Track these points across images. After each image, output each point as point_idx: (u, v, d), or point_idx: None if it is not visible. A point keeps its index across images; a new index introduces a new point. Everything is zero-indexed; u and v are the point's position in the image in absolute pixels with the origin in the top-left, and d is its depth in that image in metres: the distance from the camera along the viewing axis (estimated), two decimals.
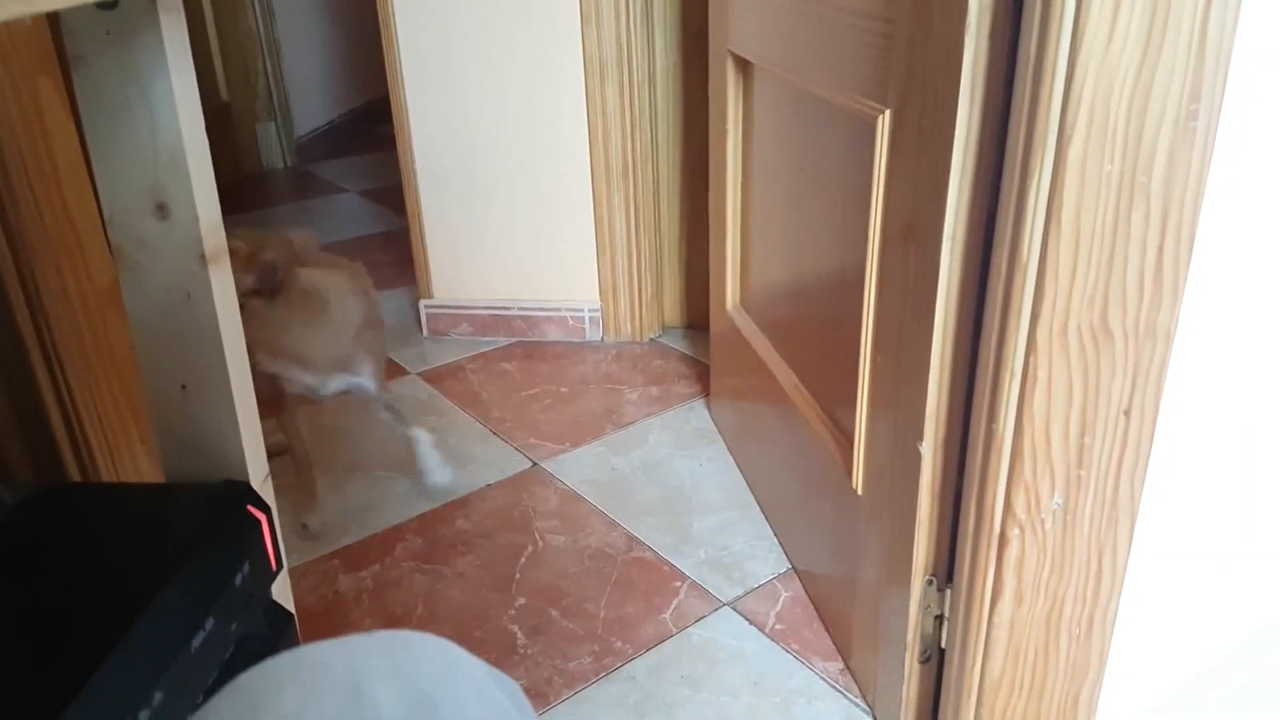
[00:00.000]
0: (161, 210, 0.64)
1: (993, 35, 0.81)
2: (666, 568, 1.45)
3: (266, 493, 0.77)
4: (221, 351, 0.69)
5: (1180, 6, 0.70)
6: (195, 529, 0.70)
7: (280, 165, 3.81)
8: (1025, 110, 0.77)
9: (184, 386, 0.71)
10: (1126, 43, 0.71)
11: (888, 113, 0.97)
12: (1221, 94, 0.72)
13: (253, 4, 3.51)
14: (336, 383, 1.49)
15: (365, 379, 1.50)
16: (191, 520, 0.71)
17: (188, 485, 0.75)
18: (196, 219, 0.64)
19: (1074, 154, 0.75)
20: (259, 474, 0.76)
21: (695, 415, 1.90)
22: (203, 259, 0.66)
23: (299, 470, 1.58)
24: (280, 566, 0.77)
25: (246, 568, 0.71)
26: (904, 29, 0.92)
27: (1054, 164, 0.76)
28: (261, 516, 0.73)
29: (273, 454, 1.39)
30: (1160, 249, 0.76)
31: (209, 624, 0.67)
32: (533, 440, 1.83)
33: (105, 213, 0.66)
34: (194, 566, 0.67)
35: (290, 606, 0.82)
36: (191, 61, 0.62)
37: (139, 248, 0.66)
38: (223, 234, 0.67)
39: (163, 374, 0.71)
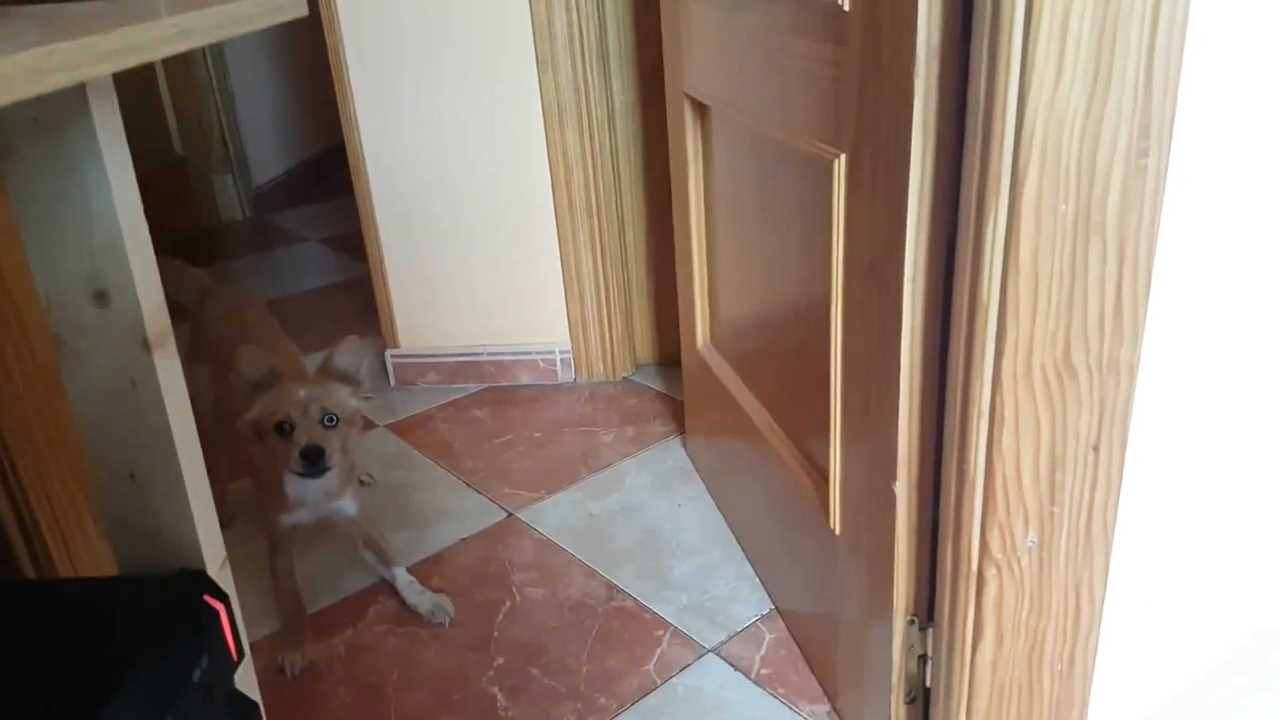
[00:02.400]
0: (101, 298, 0.62)
1: (941, 79, 0.81)
2: (648, 616, 1.43)
3: (224, 579, 0.74)
4: (170, 438, 0.67)
5: (1125, 47, 0.70)
6: (150, 624, 0.67)
7: (239, 216, 3.77)
8: (978, 153, 0.77)
9: (133, 476, 0.69)
10: (1075, 83, 0.72)
11: (843, 156, 0.97)
12: (1170, 131, 0.73)
13: (204, 56, 3.49)
14: (324, 510, 1.48)
15: (346, 502, 1.49)
16: (146, 615, 0.68)
17: (141, 577, 0.72)
18: (138, 304, 0.62)
19: (1028, 195, 0.75)
20: (215, 560, 0.74)
21: (671, 454, 1.88)
22: (146, 345, 0.64)
23: (285, 609, 1.47)
24: (242, 656, 0.74)
25: (205, 661, 0.68)
26: (853, 74, 0.92)
27: (1009, 205, 0.76)
28: (220, 606, 0.70)
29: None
30: (1119, 285, 0.76)
31: None
32: (507, 489, 1.80)
33: (43, 301, 0.64)
34: (149, 664, 0.64)
35: (255, 694, 0.80)
36: (126, 145, 0.60)
37: (79, 335, 0.64)
38: (166, 318, 0.65)
39: (110, 463, 0.69)
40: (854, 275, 1.00)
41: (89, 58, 0.43)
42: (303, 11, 0.64)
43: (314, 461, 1.32)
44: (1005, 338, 0.79)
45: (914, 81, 0.81)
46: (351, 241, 3.33)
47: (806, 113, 1.04)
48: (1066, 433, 0.82)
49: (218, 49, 3.52)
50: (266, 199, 4.01)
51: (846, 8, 0.91)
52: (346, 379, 1.42)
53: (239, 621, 0.72)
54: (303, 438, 1.33)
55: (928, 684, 1.04)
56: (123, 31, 0.45)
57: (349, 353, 1.42)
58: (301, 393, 1.35)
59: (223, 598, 0.70)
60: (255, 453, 1.41)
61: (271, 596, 1.49)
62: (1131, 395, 0.80)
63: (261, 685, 0.84)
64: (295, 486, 1.42)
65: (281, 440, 1.34)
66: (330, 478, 1.40)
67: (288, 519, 1.47)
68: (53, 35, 0.44)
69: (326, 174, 4.31)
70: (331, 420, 1.36)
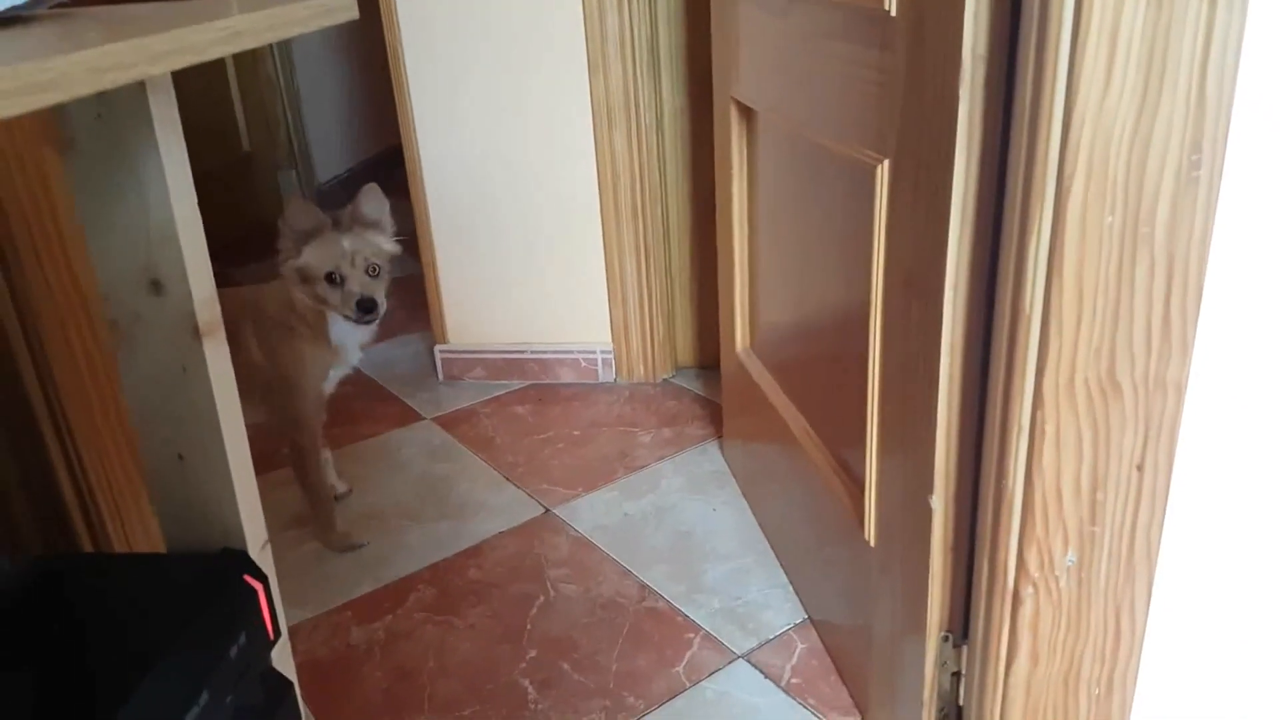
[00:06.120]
0: (155, 286, 0.64)
1: (987, 87, 0.80)
2: (680, 618, 1.43)
3: (265, 560, 0.77)
4: (217, 422, 0.69)
5: (1177, 56, 0.69)
6: (191, 600, 0.70)
7: None
8: (1023, 161, 0.76)
9: (181, 457, 0.71)
10: (1124, 92, 0.70)
11: (886, 162, 0.96)
12: (1224, 143, 0.71)
13: (272, 54, 3.56)
14: (354, 360, 1.65)
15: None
16: (187, 591, 0.70)
17: (184, 555, 0.75)
18: (190, 294, 0.64)
19: (1074, 206, 0.74)
20: (257, 541, 0.76)
21: (708, 457, 1.88)
22: (196, 333, 0.66)
23: (324, 504, 1.66)
24: (279, 634, 0.76)
25: (243, 639, 0.70)
26: (898, 79, 0.91)
27: (1054, 216, 0.75)
28: (258, 585, 0.72)
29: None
30: (1167, 300, 0.75)
31: (203, 699, 0.66)
32: (545, 485, 1.82)
33: (101, 289, 0.66)
34: (188, 639, 0.66)
35: (291, 673, 0.82)
36: (183, 140, 0.62)
37: (134, 322, 0.66)
38: (217, 308, 0.67)
39: (159, 444, 0.71)
40: (894, 284, 0.99)
41: (145, 57, 0.44)
42: (353, 15, 0.66)
43: (368, 310, 1.48)
44: (1047, 351, 0.78)
45: (959, 88, 0.80)
46: (408, 239, 3.37)
47: (850, 118, 1.04)
48: (1109, 450, 0.80)
49: (285, 47, 3.60)
50: (329, 196, 4.08)
51: (893, 13, 0.91)
52: (375, 225, 1.53)
53: (277, 601, 0.74)
54: (355, 287, 1.47)
55: (960, 702, 1.02)
56: (176, 33, 0.47)
57: (372, 199, 1.53)
58: (346, 243, 1.47)
59: (262, 578, 0.72)
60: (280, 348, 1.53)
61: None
62: (1179, 413, 0.78)
63: (301, 668, 0.86)
64: (340, 333, 1.55)
65: (331, 289, 1.47)
66: (373, 327, 1.54)
67: (332, 372, 1.60)
68: (112, 36, 0.46)
69: (387, 173, 4.37)
70: (376, 271, 1.49)
